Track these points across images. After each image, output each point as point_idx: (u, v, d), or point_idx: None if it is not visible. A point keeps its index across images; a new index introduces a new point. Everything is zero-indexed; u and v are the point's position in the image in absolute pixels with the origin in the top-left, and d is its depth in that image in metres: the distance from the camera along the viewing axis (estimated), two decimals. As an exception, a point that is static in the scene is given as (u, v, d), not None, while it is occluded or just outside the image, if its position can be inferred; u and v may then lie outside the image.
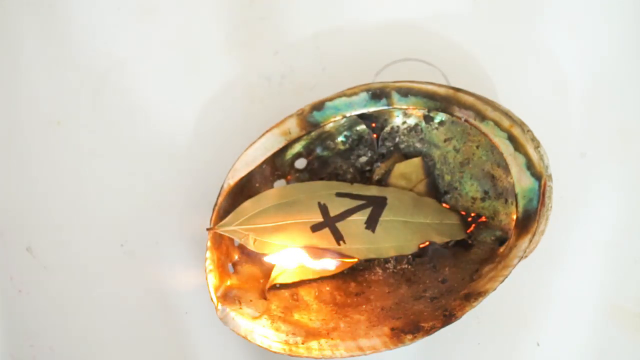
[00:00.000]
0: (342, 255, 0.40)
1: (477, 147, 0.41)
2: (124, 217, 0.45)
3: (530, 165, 0.37)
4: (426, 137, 0.42)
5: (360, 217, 0.40)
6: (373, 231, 0.40)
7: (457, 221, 0.41)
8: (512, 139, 0.38)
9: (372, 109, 0.40)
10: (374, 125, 0.42)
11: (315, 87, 0.46)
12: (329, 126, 0.41)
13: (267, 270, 0.41)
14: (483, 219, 0.41)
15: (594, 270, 0.43)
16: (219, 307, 0.38)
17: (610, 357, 0.42)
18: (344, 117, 0.40)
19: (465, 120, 0.39)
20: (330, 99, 0.39)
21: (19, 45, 0.46)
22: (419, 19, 0.46)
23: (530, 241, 0.37)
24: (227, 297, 0.39)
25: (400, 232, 0.40)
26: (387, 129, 0.42)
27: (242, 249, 0.41)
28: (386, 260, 0.42)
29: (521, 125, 0.38)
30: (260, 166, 0.40)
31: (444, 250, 0.41)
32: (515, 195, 0.38)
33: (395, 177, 0.42)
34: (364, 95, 0.39)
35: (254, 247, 0.39)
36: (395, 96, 0.39)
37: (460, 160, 0.42)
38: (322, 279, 0.42)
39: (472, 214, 0.42)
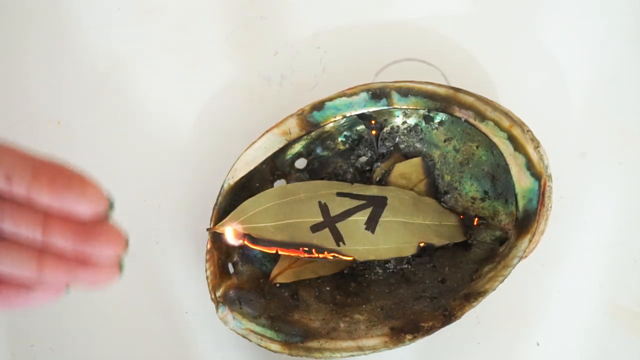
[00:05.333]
0: (340, 254, 0.40)
1: (477, 147, 0.41)
2: (124, 217, 0.44)
3: (530, 165, 0.37)
4: (426, 137, 0.42)
5: (361, 217, 0.40)
6: (373, 232, 0.40)
7: (456, 222, 0.41)
8: (512, 139, 0.38)
9: (372, 109, 0.40)
10: (373, 122, 0.42)
11: (315, 87, 0.46)
12: (329, 126, 0.41)
13: (267, 270, 0.41)
14: (476, 222, 0.41)
15: (594, 270, 0.43)
16: (219, 307, 0.38)
17: (610, 357, 0.42)
18: (344, 117, 0.40)
19: (465, 120, 0.39)
20: (330, 99, 0.39)
21: (20, 44, 0.46)
22: (419, 19, 0.46)
23: (530, 241, 0.37)
24: (227, 297, 0.39)
25: (399, 234, 0.40)
26: (387, 129, 0.42)
27: (242, 248, 0.41)
28: (386, 260, 0.42)
29: (521, 125, 0.38)
30: (260, 166, 0.40)
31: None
32: (515, 195, 0.38)
33: (395, 177, 0.42)
34: (364, 95, 0.39)
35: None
36: (395, 96, 0.39)
37: (460, 160, 0.42)
38: (322, 279, 0.42)
39: (472, 216, 0.42)
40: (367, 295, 0.41)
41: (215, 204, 0.39)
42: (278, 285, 0.41)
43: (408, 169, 0.42)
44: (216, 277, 0.39)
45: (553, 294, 0.43)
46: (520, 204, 0.38)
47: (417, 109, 0.40)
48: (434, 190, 0.42)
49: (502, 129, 0.38)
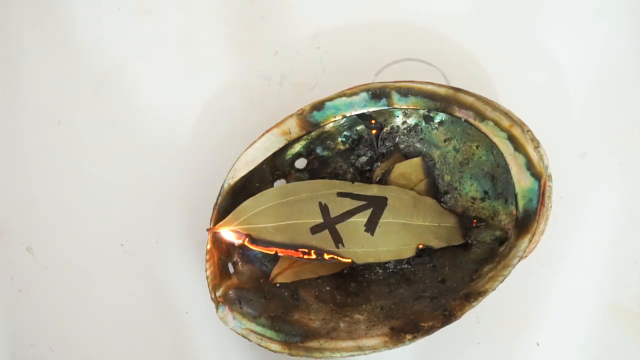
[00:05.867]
0: (339, 256, 0.40)
1: (477, 147, 0.41)
2: (124, 217, 0.45)
3: (530, 165, 0.37)
4: (426, 137, 0.42)
5: (360, 218, 0.40)
6: (372, 234, 0.40)
7: (455, 224, 0.41)
8: (512, 139, 0.38)
9: (372, 109, 0.40)
10: (373, 122, 0.42)
11: (315, 87, 0.46)
12: (329, 126, 0.41)
13: (267, 270, 0.41)
14: (474, 223, 0.41)
15: (594, 270, 0.43)
16: (219, 307, 0.38)
17: (610, 356, 0.42)
18: (344, 117, 0.40)
19: (465, 120, 0.39)
20: (330, 99, 0.39)
21: (19, 44, 0.46)
22: (419, 19, 0.46)
23: (530, 241, 0.37)
24: (227, 297, 0.39)
25: (399, 236, 0.40)
26: (387, 128, 0.42)
27: (242, 249, 0.41)
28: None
29: (521, 125, 0.38)
30: (260, 166, 0.40)
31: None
32: (515, 195, 0.38)
33: (395, 177, 0.42)
34: (364, 95, 0.39)
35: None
36: (395, 96, 0.39)
37: (460, 160, 0.42)
38: (322, 278, 0.42)
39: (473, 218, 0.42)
40: (367, 295, 0.41)
41: (215, 204, 0.39)
42: (278, 285, 0.41)
43: (408, 169, 0.42)
44: (216, 277, 0.39)
45: (553, 294, 0.43)
46: (520, 204, 0.38)
47: (417, 109, 0.40)
48: (434, 190, 0.42)
49: (502, 129, 0.38)
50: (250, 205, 0.39)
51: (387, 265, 0.42)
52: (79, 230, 0.44)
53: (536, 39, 0.45)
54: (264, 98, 0.46)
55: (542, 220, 0.38)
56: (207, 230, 0.39)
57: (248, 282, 0.40)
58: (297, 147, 0.42)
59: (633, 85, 0.45)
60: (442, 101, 0.39)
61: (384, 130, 0.42)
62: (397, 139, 0.42)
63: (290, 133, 0.40)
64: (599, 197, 0.44)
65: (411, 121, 0.42)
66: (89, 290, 0.44)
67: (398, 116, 0.41)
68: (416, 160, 0.42)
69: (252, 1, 0.46)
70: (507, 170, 0.38)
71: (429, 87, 0.39)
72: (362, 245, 0.39)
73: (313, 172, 0.43)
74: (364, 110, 0.40)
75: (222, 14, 0.46)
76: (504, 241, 0.40)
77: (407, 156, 0.42)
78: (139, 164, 0.45)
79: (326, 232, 0.39)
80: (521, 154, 0.37)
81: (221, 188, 0.40)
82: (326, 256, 0.39)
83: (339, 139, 0.42)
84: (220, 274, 0.39)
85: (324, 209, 0.40)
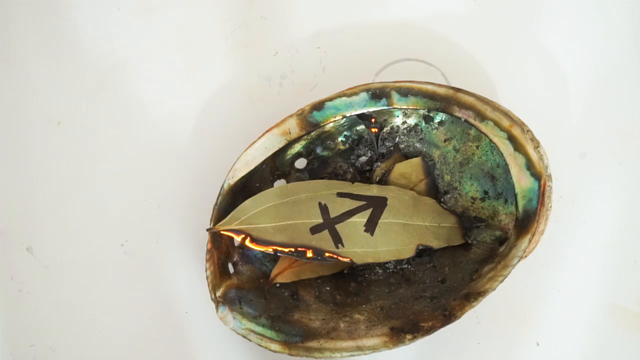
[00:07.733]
0: (338, 256, 0.40)
1: (477, 147, 0.41)
2: (124, 217, 0.45)
3: (530, 165, 0.37)
4: (426, 137, 0.42)
5: (360, 219, 0.40)
6: (372, 234, 0.40)
7: (455, 224, 0.41)
8: (511, 139, 0.38)
9: (372, 109, 0.40)
10: (374, 120, 0.42)
11: (315, 87, 0.46)
12: (329, 126, 0.41)
13: (267, 270, 0.41)
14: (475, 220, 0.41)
15: (594, 270, 0.43)
16: (219, 307, 0.38)
17: (610, 356, 0.42)
18: (344, 117, 0.40)
19: (465, 120, 0.39)
20: (330, 99, 0.39)
21: (20, 44, 0.46)
22: (419, 19, 0.46)
23: (530, 241, 0.37)
24: (227, 297, 0.39)
25: (398, 236, 0.40)
26: (387, 128, 0.42)
27: (242, 249, 0.41)
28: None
29: (521, 125, 0.38)
30: (260, 166, 0.40)
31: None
32: (515, 195, 0.38)
33: (395, 177, 0.42)
34: (364, 95, 0.39)
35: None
36: (395, 96, 0.39)
37: (460, 160, 0.42)
38: (322, 278, 0.42)
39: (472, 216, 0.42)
40: (367, 295, 0.41)
41: (215, 204, 0.39)
42: (278, 285, 0.41)
43: (408, 169, 0.42)
44: (216, 277, 0.39)
45: (553, 294, 0.43)
46: (520, 203, 0.38)
47: (417, 109, 0.40)
48: (434, 190, 0.42)
49: (502, 129, 0.38)
50: (250, 205, 0.39)
51: (387, 265, 0.42)
52: (79, 230, 0.44)
53: (536, 39, 0.45)
54: (264, 98, 0.46)
55: (542, 220, 0.38)
56: (207, 230, 0.39)
57: (248, 282, 0.40)
58: (297, 147, 0.42)
59: (633, 86, 0.45)
60: (442, 101, 0.39)
61: (384, 130, 0.42)
62: (397, 139, 0.42)
63: (290, 133, 0.40)
64: (599, 197, 0.44)
65: (411, 121, 0.42)
66: (89, 290, 0.44)
67: (398, 116, 0.41)
68: (416, 160, 0.42)
69: (252, 1, 0.46)
70: (507, 170, 0.38)
71: (429, 87, 0.39)
72: (362, 246, 0.39)
73: (313, 172, 0.43)
74: (364, 110, 0.40)
75: (222, 14, 0.46)
76: (504, 241, 0.40)
77: (407, 156, 0.42)
78: (139, 164, 0.45)
79: (326, 232, 0.39)
80: (521, 154, 0.37)
81: (221, 188, 0.40)
82: (326, 256, 0.39)
83: (339, 139, 0.42)
84: (220, 274, 0.39)
85: (323, 209, 0.40)
